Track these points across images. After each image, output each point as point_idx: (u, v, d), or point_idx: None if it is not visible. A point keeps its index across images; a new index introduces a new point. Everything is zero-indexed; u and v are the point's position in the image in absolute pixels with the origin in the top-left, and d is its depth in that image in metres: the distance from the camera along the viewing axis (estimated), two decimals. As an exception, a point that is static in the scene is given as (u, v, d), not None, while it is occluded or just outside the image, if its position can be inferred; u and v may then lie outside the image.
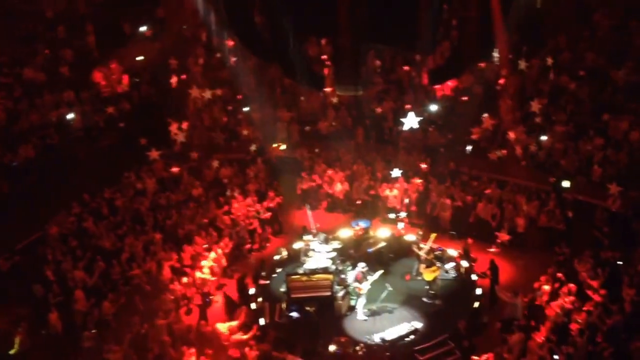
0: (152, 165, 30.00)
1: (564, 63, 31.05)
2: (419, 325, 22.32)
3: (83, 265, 23.95)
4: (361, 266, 23.44)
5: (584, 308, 20.82)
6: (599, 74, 30.04)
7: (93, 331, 21.50)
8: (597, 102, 29.23)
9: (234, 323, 21.77)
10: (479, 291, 23.93)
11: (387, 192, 29.80)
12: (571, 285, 22.04)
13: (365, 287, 22.83)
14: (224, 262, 26.15)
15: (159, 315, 21.87)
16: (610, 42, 30.75)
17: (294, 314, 22.96)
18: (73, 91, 31.47)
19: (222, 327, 21.61)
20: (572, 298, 21.33)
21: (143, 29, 35.55)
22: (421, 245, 25.39)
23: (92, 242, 25.37)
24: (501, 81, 31.81)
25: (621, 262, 22.57)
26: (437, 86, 32.15)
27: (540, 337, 20.68)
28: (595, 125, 28.31)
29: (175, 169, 30.14)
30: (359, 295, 23.00)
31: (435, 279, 23.77)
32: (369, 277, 23.20)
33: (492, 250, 26.01)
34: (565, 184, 27.01)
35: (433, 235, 25.92)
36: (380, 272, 23.78)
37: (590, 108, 29.14)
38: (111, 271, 24.06)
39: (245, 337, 21.37)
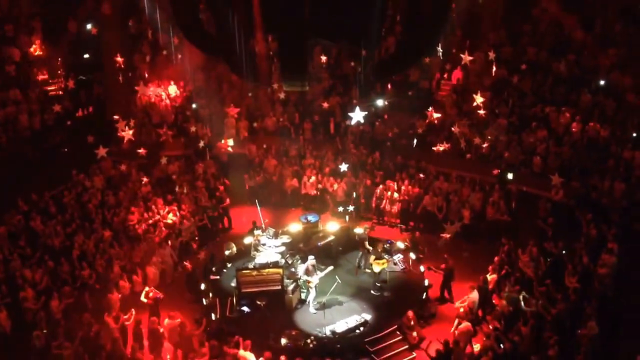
0: (100, 163, 29.79)
1: (506, 57, 31.63)
2: (368, 317, 22.58)
3: (32, 264, 23.72)
4: (311, 259, 23.55)
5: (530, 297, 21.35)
6: (541, 67, 30.70)
7: (44, 331, 21.10)
8: (539, 95, 29.88)
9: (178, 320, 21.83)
10: (426, 282, 24.32)
11: (335, 187, 30.12)
12: (517, 275, 22.57)
13: (315, 280, 23.03)
14: (174, 257, 26.24)
15: (108, 313, 21.80)
16: (550, 36, 31.39)
17: (245, 309, 23.10)
18: (19, 90, 31.19)
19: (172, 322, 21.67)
20: (516, 287, 21.82)
21: (89, 26, 35.32)
22: (367, 238, 25.88)
23: (40, 241, 25.12)
24: (445, 75, 32.39)
25: (564, 252, 23.14)
26: (382, 81, 32.56)
27: (487, 326, 21.16)
28: (538, 118, 28.94)
29: (123, 167, 30.01)
30: (309, 288, 23.25)
31: (382, 271, 24.10)
32: (319, 271, 23.38)
33: (440, 241, 26.51)
34: (509, 175, 27.59)
35: (365, 226, 26.52)
36: (331, 267, 23.96)
37: (533, 101, 29.77)
38: (60, 269, 23.86)
39: (197, 332, 21.47)
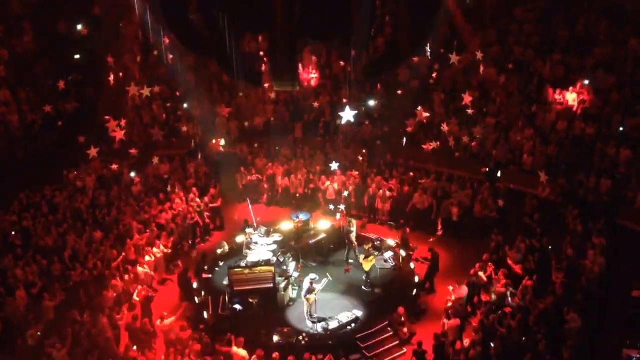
0: (91, 163, 29.90)
1: (493, 57, 31.94)
2: (359, 313, 22.81)
3: (24, 264, 23.74)
4: (311, 277, 22.90)
5: (517, 292, 21.67)
6: (527, 66, 31.00)
7: (37, 331, 21.11)
8: (526, 94, 30.18)
9: (172, 319, 21.88)
10: (417, 279, 24.63)
11: (327, 185, 30.38)
12: (504, 270, 22.87)
13: (313, 297, 22.50)
14: (166, 257, 26.43)
15: (103, 311, 21.90)
16: (536, 36, 31.70)
17: (237, 307, 23.24)
18: (10, 91, 31.29)
19: (166, 322, 21.76)
20: (504, 282, 22.12)
21: (79, 27, 35.44)
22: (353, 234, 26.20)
23: (33, 241, 25.20)
24: (434, 75, 32.63)
25: (551, 247, 23.48)
26: (372, 80, 32.83)
27: (476, 321, 21.46)
28: (525, 116, 29.26)
29: (114, 167, 30.16)
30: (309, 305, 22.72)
31: (372, 268, 24.32)
32: (316, 286, 22.62)
33: (430, 240, 26.85)
34: (497, 173, 27.88)
35: (354, 221, 26.68)
36: (328, 279, 23.29)
37: (519, 100, 30.08)
38: (52, 269, 23.95)
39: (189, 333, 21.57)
